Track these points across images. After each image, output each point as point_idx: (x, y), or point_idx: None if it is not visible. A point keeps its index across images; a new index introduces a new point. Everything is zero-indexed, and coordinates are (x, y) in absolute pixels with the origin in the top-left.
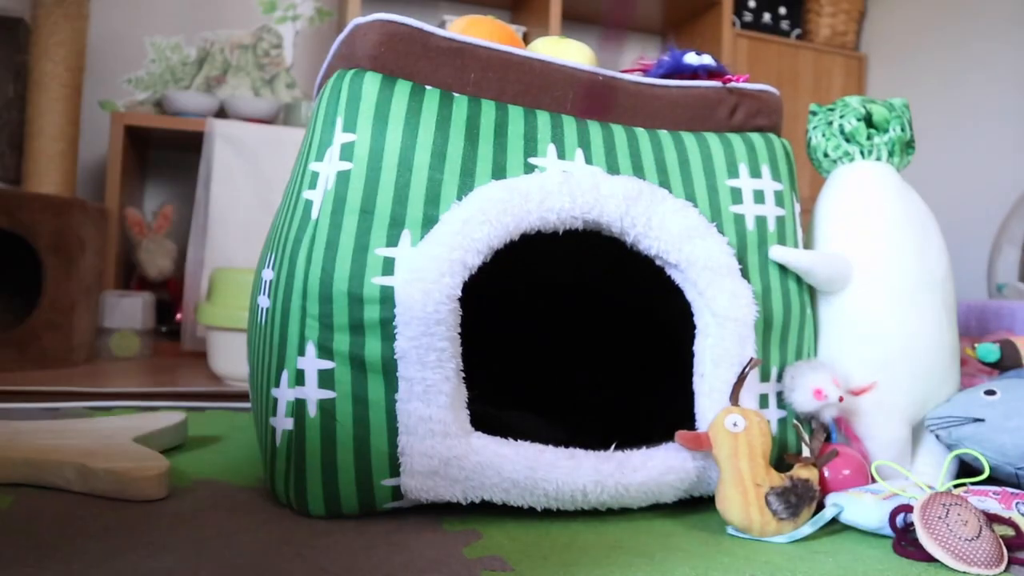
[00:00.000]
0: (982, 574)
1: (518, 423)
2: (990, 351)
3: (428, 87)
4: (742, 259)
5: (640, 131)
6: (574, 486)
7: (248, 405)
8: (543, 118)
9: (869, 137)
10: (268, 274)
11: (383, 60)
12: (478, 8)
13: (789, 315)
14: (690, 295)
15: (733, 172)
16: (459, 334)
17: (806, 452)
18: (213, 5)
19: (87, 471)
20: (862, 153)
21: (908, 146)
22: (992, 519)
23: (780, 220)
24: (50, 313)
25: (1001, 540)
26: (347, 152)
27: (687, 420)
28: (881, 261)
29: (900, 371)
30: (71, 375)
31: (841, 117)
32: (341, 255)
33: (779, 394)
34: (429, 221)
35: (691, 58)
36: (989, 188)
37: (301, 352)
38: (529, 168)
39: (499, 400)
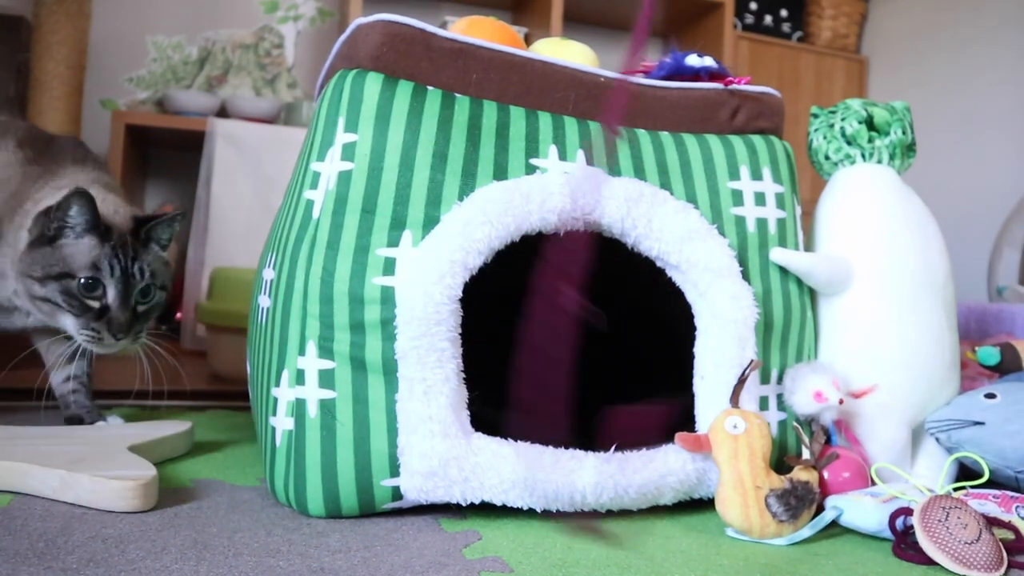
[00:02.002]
0: None
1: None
2: (990, 354)
3: (430, 87)
4: (743, 261)
5: (641, 132)
6: (574, 487)
7: (248, 405)
8: (545, 119)
9: (870, 140)
10: (269, 274)
11: (385, 60)
12: (480, 9)
13: (790, 317)
14: (691, 296)
15: (734, 174)
16: (460, 334)
17: (806, 454)
18: (215, 5)
19: (70, 479)
20: (863, 156)
21: (909, 149)
22: (992, 522)
23: (781, 222)
24: None
25: (1001, 543)
26: (348, 152)
27: (687, 422)
28: (882, 263)
29: (900, 374)
30: None
31: (842, 120)
32: (342, 255)
33: (779, 396)
34: (430, 221)
35: (693, 60)
36: (990, 191)
37: (302, 352)
38: (530, 169)
39: (500, 401)
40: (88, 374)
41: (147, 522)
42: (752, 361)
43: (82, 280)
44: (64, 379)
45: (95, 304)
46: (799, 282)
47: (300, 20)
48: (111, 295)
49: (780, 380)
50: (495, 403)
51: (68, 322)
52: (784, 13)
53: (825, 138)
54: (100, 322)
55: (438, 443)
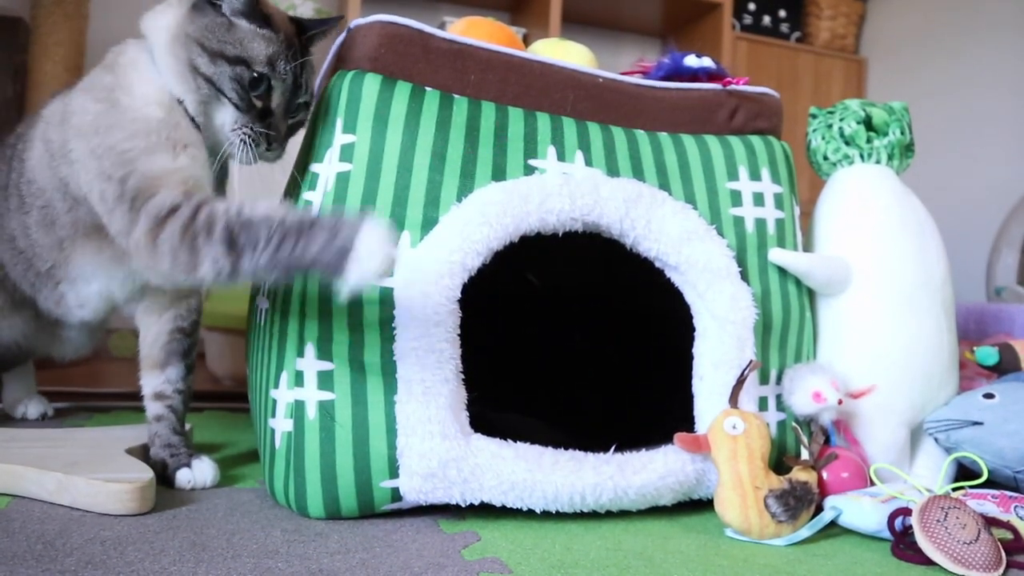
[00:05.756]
0: None
1: (518, 425)
2: (989, 354)
3: (428, 88)
4: (742, 261)
5: (640, 133)
6: (573, 489)
7: (247, 406)
8: (543, 120)
9: (869, 140)
10: None
11: (383, 61)
12: (478, 10)
13: (788, 318)
14: (690, 297)
15: (733, 175)
16: (458, 335)
17: (805, 455)
18: None
19: (67, 482)
20: (862, 156)
21: (908, 149)
22: (990, 522)
23: (780, 223)
24: None
25: (999, 543)
26: (347, 153)
27: (686, 422)
28: (880, 264)
29: (899, 374)
30: (71, 375)
31: (841, 120)
32: None
33: (778, 397)
34: (429, 222)
35: (691, 60)
36: (988, 191)
37: (300, 353)
38: (529, 170)
39: (498, 401)
40: (187, 387)
41: (146, 524)
42: (751, 362)
43: (256, 74)
44: (154, 394)
45: (259, 104)
46: (798, 283)
47: None
48: (276, 99)
49: (779, 380)
50: (494, 404)
51: (227, 114)
52: (782, 13)
53: (823, 138)
54: (261, 124)
55: (437, 444)
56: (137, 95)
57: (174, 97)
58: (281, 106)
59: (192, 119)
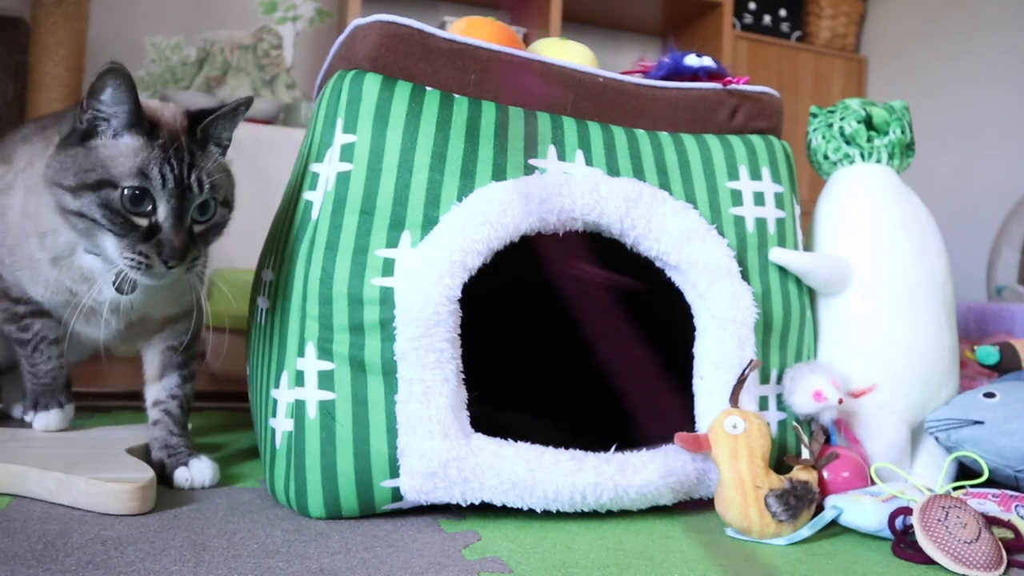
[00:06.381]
0: None
1: (518, 424)
2: (989, 354)
3: (428, 88)
4: (742, 261)
5: (640, 133)
6: (574, 488)
7: (247, 406)
8: (543, 119)
9: (869, 139)
10: (268, 275)
11: (383, 61)
12: (478, 9)
13: (789, 317)
14: (690, 297)
15: (733, 174)
16: (459, 335)
17: (806, 454)
18: (213, 5)
19: (67, 482)
20: (862, 155)
21: (908, 148)
22: (991, 522)
23: (780, 222)
24: None
25: (1000, 542)
26: (347, 153)
27: (687, 421)
28: (881, 263)
29: (900, 373)
30: (71, 375)
31: (841, 119)
32: (341, 256)
33: (779, 396)
34: (429, 222)
35: (691, 60)
36: (989, 190)
37: (301, 353)
38: (529, 169)
39: (499, 401)
40: (185, 394)
41: (146, 524)
42: (751, 361)
43: (126, 191)
44: (153, 402)
45: (142, 222)
46: (798, 282)
47: (299, 21)
48: (162, 212)
49: (780, 380)
50: (495, 403)
51: (108, 244)
52: (783, 13)
53: (824, 138)
54: (148, 244)
55: (438, 444)
56: (46, 246)
57: (72, 244)
58: (170, 218)
59: (93, 251)
